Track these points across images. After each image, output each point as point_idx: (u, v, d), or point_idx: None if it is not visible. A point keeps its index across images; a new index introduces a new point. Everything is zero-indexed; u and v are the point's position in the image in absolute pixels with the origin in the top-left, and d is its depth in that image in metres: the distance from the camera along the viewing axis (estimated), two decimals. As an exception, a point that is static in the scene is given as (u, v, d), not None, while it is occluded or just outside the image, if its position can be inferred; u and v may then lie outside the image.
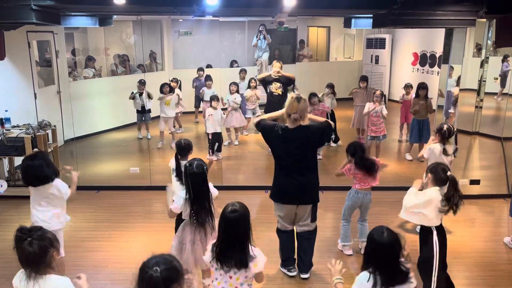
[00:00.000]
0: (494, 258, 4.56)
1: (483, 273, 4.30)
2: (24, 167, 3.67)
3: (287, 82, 7.48)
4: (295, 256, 4.19)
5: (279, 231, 4.15)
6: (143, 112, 8.40)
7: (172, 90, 8.17)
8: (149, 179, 6.30)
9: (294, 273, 4.15)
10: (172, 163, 4.28)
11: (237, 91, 8.35)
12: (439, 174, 3.46)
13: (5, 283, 4.00)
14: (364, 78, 8.30)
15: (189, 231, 3.49)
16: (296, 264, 4.20)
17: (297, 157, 3.85)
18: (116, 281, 4.09)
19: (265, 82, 7.58)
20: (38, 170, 3.57)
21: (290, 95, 3.80)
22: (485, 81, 7.82)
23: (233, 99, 8.11)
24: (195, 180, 3.38)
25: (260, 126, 3.96)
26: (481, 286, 4.10)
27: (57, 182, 3.66)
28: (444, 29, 6.24)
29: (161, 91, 8.02)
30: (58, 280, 2.38)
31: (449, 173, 3.47)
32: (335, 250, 4.62)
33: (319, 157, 7.58)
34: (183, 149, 4.24)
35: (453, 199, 3.39)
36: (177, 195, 3.55)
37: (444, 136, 4.74)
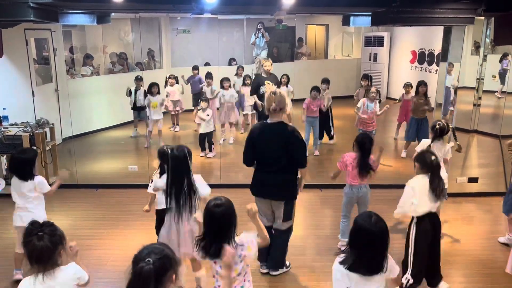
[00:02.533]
0: (492, 256, 4.57)
1: (481, 270, 4.31)
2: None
3: (276, 81, 7.60)
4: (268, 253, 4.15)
5: None
6: (138, 109, 8.37)
7: (159, 91, 8.06)
8: (148, 177, 6.27)
9: (264, 270, 4.16)
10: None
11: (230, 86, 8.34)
12: (425, 160, 3.60)
13: (4, 281, 4.00)
14: (365, 77, 8.26)
15: (169, 220, 3.51)
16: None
17: (273, 152, 3.85)
18: (114, 279, 4.09)
19: (256, 84, 7.63)
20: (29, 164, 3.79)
21: (267, 92, 3.85)
22: (483, 79, 7.83)
23: (229, 94, 8.08)
24: (174, 163, 3.36)
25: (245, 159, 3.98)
26: (479, 283, 4.11)
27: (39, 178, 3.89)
28: (442, 27, 6.24)
29: (150, 92, 7.89)
30: (69, 269, 2.39)
31: (433, 157, 3.59)
32: (334, 247, 4.62)
33: (316, 153, 7.61)
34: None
35: (438, 189, 3.55)
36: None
37: (436, 134, 4.68)
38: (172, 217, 3.49)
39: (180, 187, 3.39)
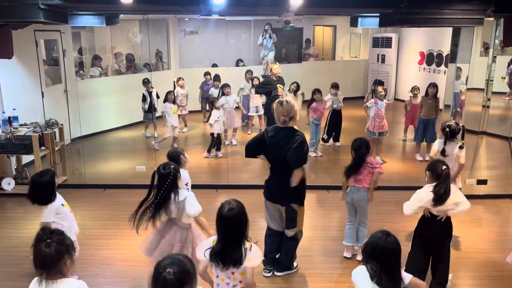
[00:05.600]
0: (501, 258, 4.53)
1: (490, 273, 4.28)
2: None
3: (283, 83, 7.78)
4: (276, 256, 4.16)
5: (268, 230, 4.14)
6: (150, 111, 8.43)
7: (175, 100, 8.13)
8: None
9: (268, 274, 4.11)
10: None
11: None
12: (437, 171, 3.54)
13: (12, 280, 4.04)
14: (379, 83, 8.23)
15: (160, 231, 3.57)
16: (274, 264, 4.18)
17: (283, 156, 3.80)
18: (122, 279, 4.12)
19: (267, 87, 7.69)
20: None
21: (274, 103, 3.86)
22: (492, 80, 7.77)
23: (232, 99, 8.09)
24: (161, 181, 3.39)
25: (247, 149, 3.99)
26: (488, 286, 4.08)
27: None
28: (451, 28, 6.21)
29: (166, 99, 7.94)
30: (74, 283, 2.37)
31: (444, 167, 3.54)
32: (341, 249, 4.60)
33: (319, 154, 7.62)
34: (171, 158, 4.06)
35: (441, 195, 3.52)
36: None
37: (447, 136, 4.63)
38: (163, 230, 3.54)
39: (159, 205, 3.41)
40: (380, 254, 2.47)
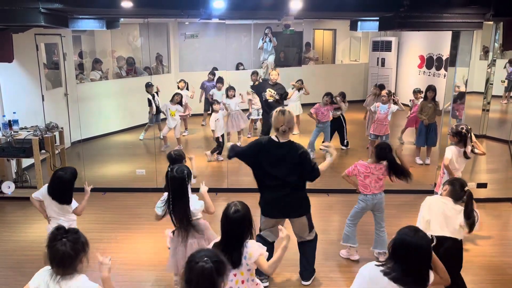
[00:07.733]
0: (502, 262, 4.53)
1: (490, 277, 4.27)
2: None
3: (281, 92, 7.76)
4: None
5: (262, 240, 3.91)
6: (156, 113, 8.46)
7: (181, 102, 8.15)
8: (155, 181, 6.31)
9: (266, 284, 4.04)
10: None
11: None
12: (457, 190, 3.43)
13: (15, 283, 4.03)
14: (380, 87, 8.25)
15: (177, 234, 3.54)
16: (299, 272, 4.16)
17: (285, 173, 3.76)
18: (122, 283, 4.11)
19: (259, 90, 7.87)
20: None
21: (275, 110, 3.78)
22: (492, 84, 7.79)
23: (234, 103, 8.10)
24: (174, 184, 3.40)
25: (234, 152, 3.92)
26: (488, 290, 4.08)
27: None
28: (450, 32, 6.23)
29: (172, 100, 8.02)
30: (83, 283, 2.42)
31: (466, 188, 3.45)
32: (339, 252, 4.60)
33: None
34: (174, 160, 4.11)
35: (471, 216, 3.39)
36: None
37: (465, 138, 4.55)
38: (179, 234, 3.51)
39: (178, 207, 3.41)
40: (407, 251, 2.34)
